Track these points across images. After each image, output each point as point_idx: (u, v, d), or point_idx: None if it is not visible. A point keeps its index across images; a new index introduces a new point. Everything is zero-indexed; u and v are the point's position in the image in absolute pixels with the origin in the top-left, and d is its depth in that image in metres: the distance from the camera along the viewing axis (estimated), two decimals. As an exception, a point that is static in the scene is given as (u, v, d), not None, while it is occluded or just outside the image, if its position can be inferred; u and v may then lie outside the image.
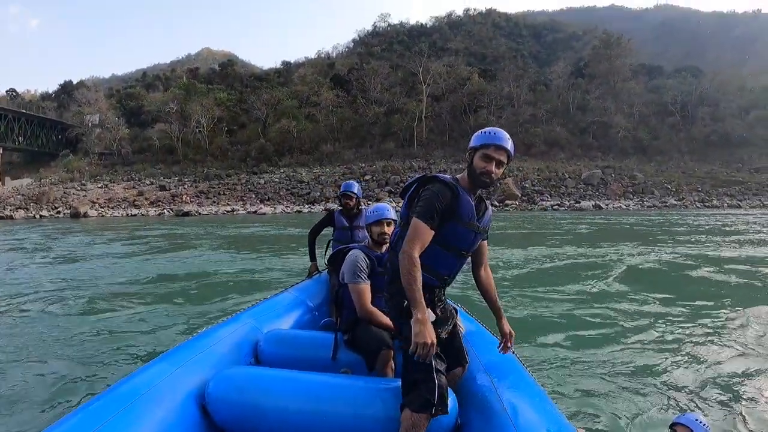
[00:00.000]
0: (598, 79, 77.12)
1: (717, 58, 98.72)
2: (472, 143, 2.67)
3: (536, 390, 2.80)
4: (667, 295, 8.60)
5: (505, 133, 2.65)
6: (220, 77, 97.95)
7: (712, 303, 8.05)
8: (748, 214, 36.89)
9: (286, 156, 69.39)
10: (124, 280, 10.55)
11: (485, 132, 2.66)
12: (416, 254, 2.45)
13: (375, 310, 3.50)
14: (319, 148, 70.02)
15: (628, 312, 7.51)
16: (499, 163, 2.61)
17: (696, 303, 8.05)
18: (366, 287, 3.56)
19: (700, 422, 2.81)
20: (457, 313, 3.08)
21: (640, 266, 12.13)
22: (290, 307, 4.54)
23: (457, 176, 2.72)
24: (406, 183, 2.82)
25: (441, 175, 2.64)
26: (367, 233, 4.05)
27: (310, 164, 66.47)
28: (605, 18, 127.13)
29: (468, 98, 72.74)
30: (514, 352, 3.23)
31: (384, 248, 3.82)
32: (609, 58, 78.98)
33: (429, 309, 2.50)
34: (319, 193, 53.81)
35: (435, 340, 2.38)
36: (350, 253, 3.74)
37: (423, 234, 2.50)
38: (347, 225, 5.82)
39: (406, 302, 2.51)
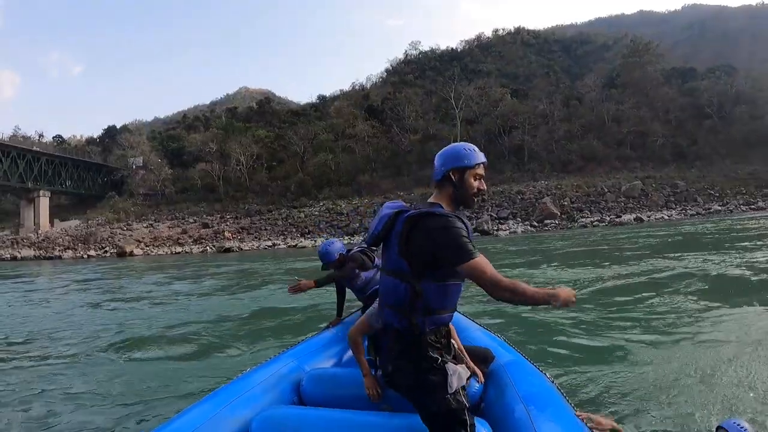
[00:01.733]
0: (631, 87, 77.07)
1: (751, 54, 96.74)
2: (459, 163, 2.48)
3: (574, 422, 2.75)
4: (719, 303, 8.69)
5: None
6: (258, 115, 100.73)
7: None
8: None
9: (325, 189, 71.02)
10: (166, 320, 10.61)
11: (468, 149, 2.54)
12: (502, 278, 2.23)
13: None
14: (356, 179, 71.60)
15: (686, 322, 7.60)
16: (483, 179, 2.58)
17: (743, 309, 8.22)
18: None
19: (743, 427, 2.83)
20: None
21: (684, 277, 11.93)
22: (331, 345, 4.53)
23: (431, 201, 2.54)
24: (374, 228, 2.57)
25: (433, 209, 2.39)
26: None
27: (349, 196, 68.02)
28: (634, 25, 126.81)
29: (501, 120, 73.56)
30: (554, 381, 3.32)
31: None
32: (640, 65, 78.70)
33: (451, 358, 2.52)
34: (358, 224, 54.92)
35: (573, 293, 2.31)
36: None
37: (486, 264, 2.26)
38: (347, 284, 5.38)
39: (437, 360, 2.42)
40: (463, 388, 2.45)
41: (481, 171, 2.55)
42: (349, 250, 5.00)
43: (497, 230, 45.35)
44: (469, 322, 4.69)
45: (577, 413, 2.90)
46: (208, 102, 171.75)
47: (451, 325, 2.74)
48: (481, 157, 2.54)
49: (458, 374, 2.44)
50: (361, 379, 3.23)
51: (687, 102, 76.22)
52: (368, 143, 76.26)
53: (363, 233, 50.93)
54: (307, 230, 56.29)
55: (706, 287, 10.55)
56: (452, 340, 2.73)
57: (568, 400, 3.10)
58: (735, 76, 79.77)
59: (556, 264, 17.28)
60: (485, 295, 2.26)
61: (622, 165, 66.84)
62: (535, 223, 48.15)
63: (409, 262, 2.39)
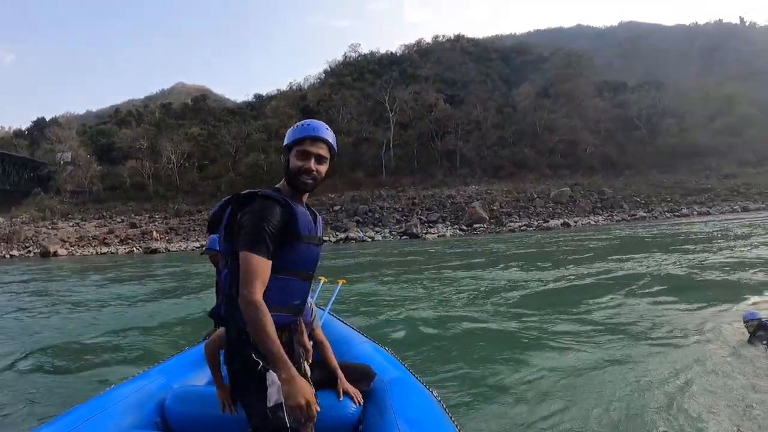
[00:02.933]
0: (564, 98, 78.30)
1: (681, 70, 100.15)
2: (285, 141, 2.31)
3: None
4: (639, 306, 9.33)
5: (322, 123, 2.34)
6: (193, 111, 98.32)
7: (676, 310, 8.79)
8: (715, 221, 37.98)
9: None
10: (59, 329, 9.99)
11: (298, 125, 2.33)
12: (259, 297, 2.00)
13: None
14: (287, 181, 69.67)
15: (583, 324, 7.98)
16: (319, 158, 2.30)
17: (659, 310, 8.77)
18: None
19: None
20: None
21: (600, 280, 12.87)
22: (201, 362, 3.95)
23: (277, 186, 2.34)
24: (213, 210, 2.38)
25: (259, 190, 2.20)
26: None
27: (280, 198, 65.96)
28: (572, 38, 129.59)
29: (435, 124, 73.30)
30: (441, 402, 3.12)
31: None
32: (573, 77, 79.96)
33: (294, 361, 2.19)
34: None
35: (312, 395, 2.05)
36: None
37: (259, 269, 2.04)
38: None
39: (258, 365, 2.09)
40: (303, 407, 2.02)
41: (308, 147, 2.28)
42: None
43: (426, 233, 44.89)
44: (356, 334, 4.39)
45: None
46: (142, 97, 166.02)
47: (323, 338, 2.95)
48: (304, 131, 2.28)
49: (278, 387, 2.06)
50: None
51: (617, 114, 78.14)
52: (302, 144, 74.23)
53: None
54: None
55: (634, 288, 11.14)
56: (301, 348, 2.44)
57: (456, 423, 2.88)
58: (663, 91, 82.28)
59: (480, 267, 17.40)
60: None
61: (552, 172, 67.72)
62: (464, 227, 48.14)
63: (231, 246, 2.20)
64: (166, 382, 3.45)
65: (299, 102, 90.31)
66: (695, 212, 50.15)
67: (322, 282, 6.76)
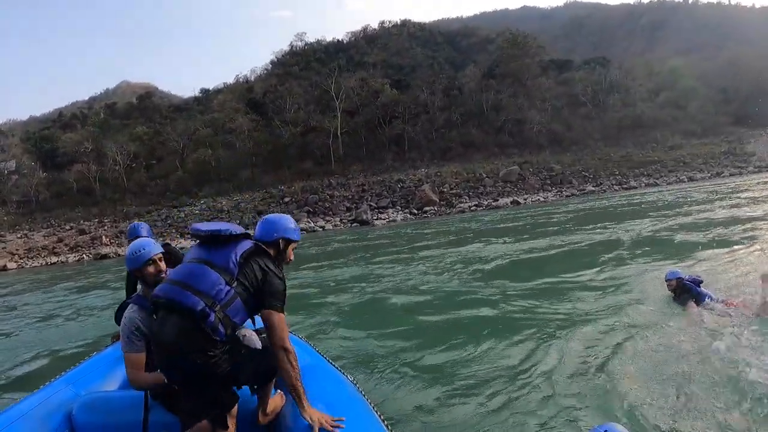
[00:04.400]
0: (509, 78, 78.22)
1: (626, 47, 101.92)
2: (291, 235, 3.11)
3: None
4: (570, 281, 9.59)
5: None
6: (139, 110, 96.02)
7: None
8: (663, 191, 38.85)
9: (205, 186, 67.45)
10: None
11: (296, 228, 3.19)
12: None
13: (149, 380, 3.07)
14: (237, 175, 68.72)
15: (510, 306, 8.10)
16: None
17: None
18: (138, 357, 3.10)
19: None
20: None
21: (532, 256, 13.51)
22: (116, 364, 3.86)
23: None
24: (222, 229, 2.88)
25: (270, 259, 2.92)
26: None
27: (230, 192, 64.72)
28: (518, 19, 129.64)
29: (382, 110, 72.54)
30: (360, 388, 3.29)
31: None
32: (518, 57, 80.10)
33: None
34: (238, 221, 51.64)
35: (323, 415, 2.71)
36: (125, 313, 3.24)
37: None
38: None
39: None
40: (321, 424, 2.67)
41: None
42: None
43: (376, 219, 44.32)
44: None
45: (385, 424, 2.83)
46: (87, 98, 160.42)
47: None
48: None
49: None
50: (135, 402, 3.06)
51: (563, 91, 79.02)
52: (249, 137, 72.92)
53: (246, 229, 48.30)
54: (186, 230, 52.29)
55: (581, 258, 11.96)
56: None
57: (373, 406, 3.01)
58: (609, 68, 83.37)
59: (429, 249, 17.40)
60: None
61: (500, 151, 67.81)
62: (415, 211, 47.53)
63: (253, 291, 2.87)
64: (73, 391, 3.34)
65: (246, 94, 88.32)
66: (643, 184, 50.71)
67: None
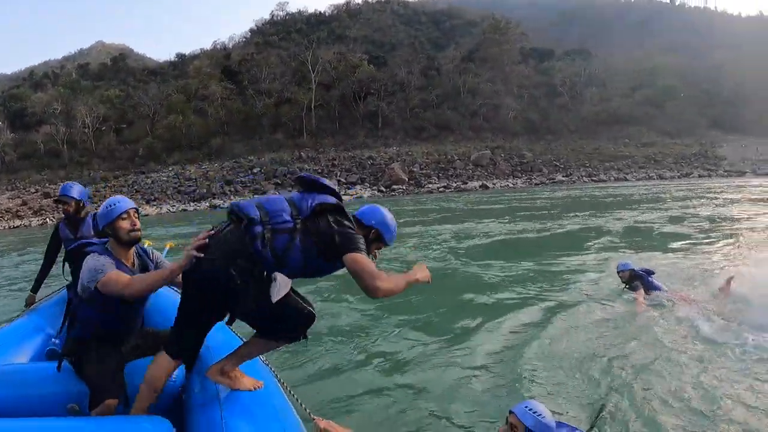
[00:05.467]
0: (489, 63, 77.70)
1: (611, 43, 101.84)
2: (385, 232, 2.92)
3: (282, 423, 2.55)
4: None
5: None
6: (112, 72, 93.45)
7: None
8: (631, 186, 39.76)
9: (175, 153, 66.09)
10: None
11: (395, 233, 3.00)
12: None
13: (148, 279, 2.86)
14: (208, 143, 67.26)
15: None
16: None
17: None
18: (116, 272, 2.87)
19: (531, 410, 2.92)
20: None
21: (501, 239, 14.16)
22: (23, 337, 3.77)
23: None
24: (316, 178, 2.88)
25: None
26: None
27: (200, 160, 63.59)
28: (506, 5, 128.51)
29: (358, 86, 71.47)
30: (267, 363, 3.27)
31: (132, 255, 3.18)
32: (499, 42, 79.58)
33: None
34: (205, 190, 50.74)
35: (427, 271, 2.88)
36: (89, 258, 2.97)
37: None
38: (72, 236, 4.68)
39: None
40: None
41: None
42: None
43: (344, 194, 43.50)
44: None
45: (313, 417, 2.83)
46: (60, 57, 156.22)
47: None
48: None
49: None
50: (42, 374, 3.00)
51: (542, 81, 78.81)
52: (222, 105, 71.44)
53: (210, 199, 47.87)
54: (153, 197, 50.91)
55: (542, 246, 12.61)
56: None
57: (282, 382, 3.03)
58: (590, 61, 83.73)
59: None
60: None
61: (474, 135, 67.63)
62: (383, 188, 47.55)
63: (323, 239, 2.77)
64: None
65: (222, 61, 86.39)
66: (612, 177, 51.09)
67: (167, 247, 6.94)
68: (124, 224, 3.04)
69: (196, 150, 66.47)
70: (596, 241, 12.62)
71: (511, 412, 2.97)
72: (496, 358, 5.26)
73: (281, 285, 2.62)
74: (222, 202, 44.27)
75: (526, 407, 2.94)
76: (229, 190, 49.70)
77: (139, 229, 3.10)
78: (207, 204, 45.07)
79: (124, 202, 3.14)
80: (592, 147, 63.63)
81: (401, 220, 20.12)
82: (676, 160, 57.36)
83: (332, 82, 73.33)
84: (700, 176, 48.71)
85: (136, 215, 3.17)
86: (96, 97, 73.99)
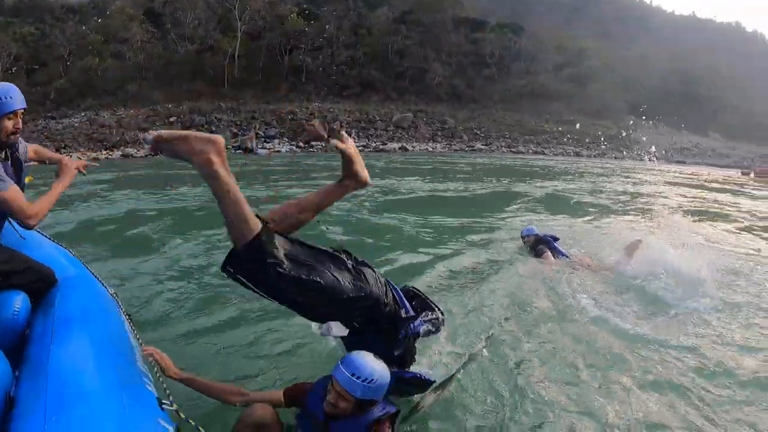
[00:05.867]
0: (421, 27, 77.04)
1: (542, 20, 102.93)
2: None
3: (115, 350, 2.49)
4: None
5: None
6: (29, 8, 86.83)
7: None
8: (549, 159, 42.41)
9: (89, 98, 62.08)
10: None
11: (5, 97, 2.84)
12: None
13: (45, 201, 2.80)
14: (124, 89, 63.52)
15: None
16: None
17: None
18: (13, 189, 2.71)
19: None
20: None
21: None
22: None
23: None
24: None
25: None
26: None
27: (115, 106, 59.97)
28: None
29: (285, 38, 69.61)
30: (115, 296, 3.22)
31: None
32: (432, 7, 79.09)
33: None
34: (118, 138, 47.80)
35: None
36: None
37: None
38: None
39: None
40: None
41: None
42: None
43: (260, 148, 43.35)
44: (40, 237, 3.91)
45: (144, 347, 2.75)
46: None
47: None
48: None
49: None
50: None
51: (471, 50, 79.01)
52: (141, 49, 67.69)
53: (122, 147, 45.01)
54: (63, 144, 47.61)
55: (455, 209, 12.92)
56: None
57: (127, 317, 2.94)
58: (521, 36, 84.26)
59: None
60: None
61: (398, 97, 67.26)
62: (301, 144, 46.62)
63: None
64: None
65: (146, 2, 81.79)
66: (531, 150, 52.64)
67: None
68: (8, 124, 2.85)
69: (111, 95, 62.59)
70: (517, 204, 13.41)
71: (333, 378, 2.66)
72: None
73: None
74: (135, 150, 42.38)
75: (349, 373, 2.58)
76: (143, 140, 47.54)
77: (19, 132, 2.95)
78: (120, 153, 42.96)
79: (16, 97, 2.91)
80: (514, 119, 64.79)
81: (318, 176, 20.83)
82: (594, 139, 58.79)
83: (259, 33, 70.79)
84: (615, 157, 50.94)
85: (22, 118, 2.99)
86: (9, 35, 68.65)
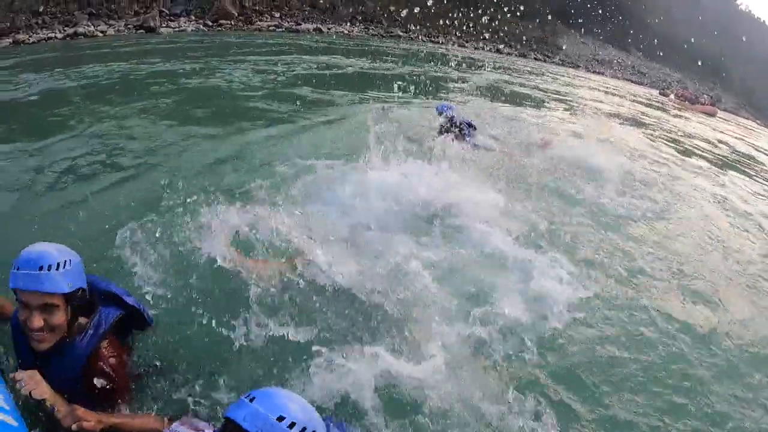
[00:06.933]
0: None
1: None
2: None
3: None
4: None
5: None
6: None
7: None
8: (471, 53, 43.96)
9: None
10: None
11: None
12: None
13: None
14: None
15: None
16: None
17: None
18: None
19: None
20: None
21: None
22: None
23: None
24: None
25: None
26: None
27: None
28: None
29: None
30: None
31: None
32: None
33: None
34: (9, 24, 41.66)
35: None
36: None
37: None
38: None
39: None
40: None
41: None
42: None
43: (164, 27, 39.01)
44: None
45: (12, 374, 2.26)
46: None
47: None
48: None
49: None
50: None
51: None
52: None
53: (14, 34, 38.42)
54: None
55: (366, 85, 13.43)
56: None
57: None
58: None
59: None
60: None
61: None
62: (209, 23, 42.93)
63: None
64: None
65: None
66: (451, 42, 51.56)
67: None
68: None
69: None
70: (453, 86, 14.26)
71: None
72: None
73: None
74: (28, 36, 37.90)
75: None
76: (36, 23, 42.93)
77: None
78: (10, 41, 38.55)
79: None
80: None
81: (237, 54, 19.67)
82: (518, 39, 58.39)
83: None
84: (536, 59, 51.23)
85: None
86: None
